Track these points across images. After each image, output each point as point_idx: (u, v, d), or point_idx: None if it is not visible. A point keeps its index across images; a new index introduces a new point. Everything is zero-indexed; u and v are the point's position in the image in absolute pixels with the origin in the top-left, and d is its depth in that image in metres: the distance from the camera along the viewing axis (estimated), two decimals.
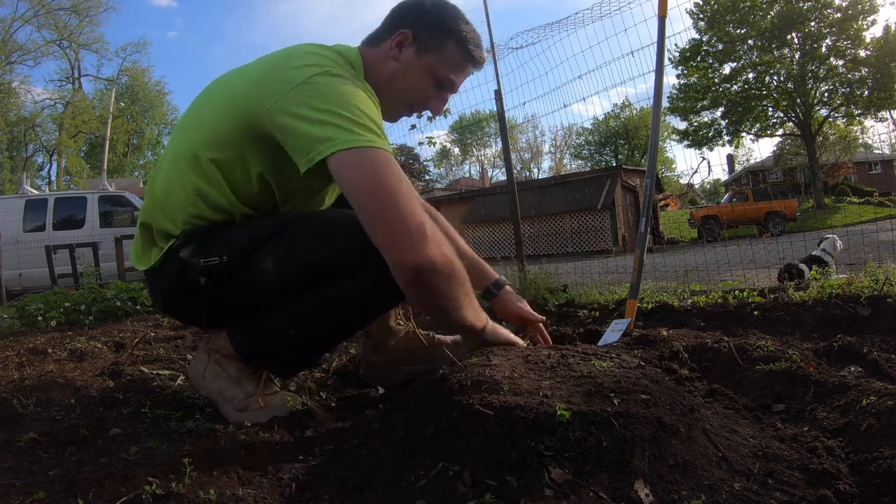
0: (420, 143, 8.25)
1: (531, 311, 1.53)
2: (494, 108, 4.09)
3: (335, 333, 1.30)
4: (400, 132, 20.50)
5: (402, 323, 1.62)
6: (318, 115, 1.05)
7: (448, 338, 1.63)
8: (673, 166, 38.97)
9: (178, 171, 1.22)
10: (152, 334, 2.49)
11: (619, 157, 44.37)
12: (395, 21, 1.29)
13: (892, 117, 23.52)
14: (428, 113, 1.44)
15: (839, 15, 22.38)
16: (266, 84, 1.12)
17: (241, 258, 1.19)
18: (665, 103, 19.08)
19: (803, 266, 3.67)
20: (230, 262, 1.18)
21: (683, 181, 36.52)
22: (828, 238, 4.08)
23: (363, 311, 1.27)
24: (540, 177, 40.23)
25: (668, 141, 32.37)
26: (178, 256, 1.21)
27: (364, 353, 1.61)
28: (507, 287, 1.56)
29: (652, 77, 2.17)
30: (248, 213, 1.25)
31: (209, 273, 1.19)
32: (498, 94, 3.97)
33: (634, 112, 41.84)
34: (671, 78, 28.73)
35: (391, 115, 1.35)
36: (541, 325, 1.52)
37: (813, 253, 3.93)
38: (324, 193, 1.38)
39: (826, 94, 24.40)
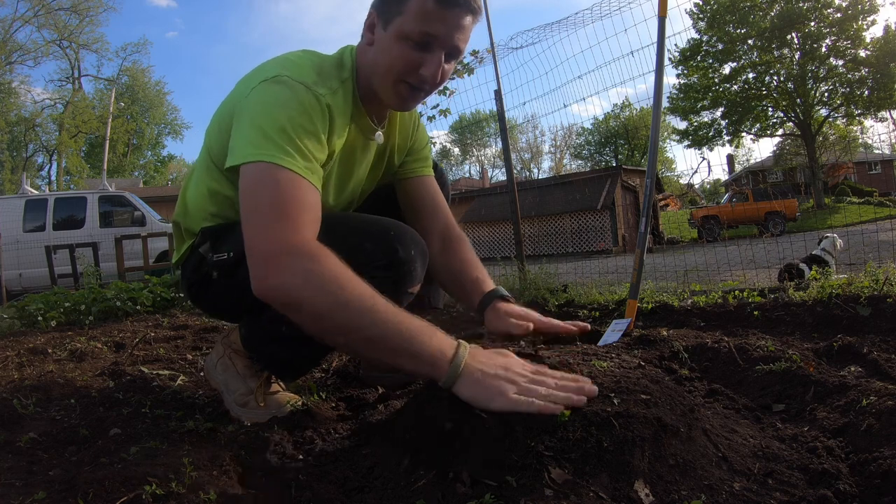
0: None
1: (527, 316, 1.29)
2: (494, 108, 4.10)
3: None
4: None
5: None
6: (244, 122, 1.08)
7: None
8: (673, 166, 38.99)
9: (199, 175, 1.32)
10: (152, 334, 2.50)
11: (619, 157, 44.37)
12: (370, 6, 1.22)
13: (892, 117, 23.53)
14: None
15: (839, 15, 22.39)
16: (238, 92, 1.18)
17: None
18: (665, 103, 19.08)
19: (803, 266, 3.68)
20: (236, 258, 1.22)
21: (683, 181, 36.53)
22: (827, 237, 4.10)
23: None
24: (540, 177, 40.29)
25: (668, 141, 32.42)
26: (197, 251, 1.30)
27: None
28: (498, 303, 1.32)
29: (652, 77, 2.18)
30: None
31: (219, 268, 1.26)
32: (498, 94, 3.97)
33: (634, 112, 41.86)
34: (671, 78, 28.76)
35: (394, 103, 1.23)
36: (543, 324, 1.33)
37: (813, 252, 3.95)
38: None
39: (826, 94, 24.42)
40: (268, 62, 1.21)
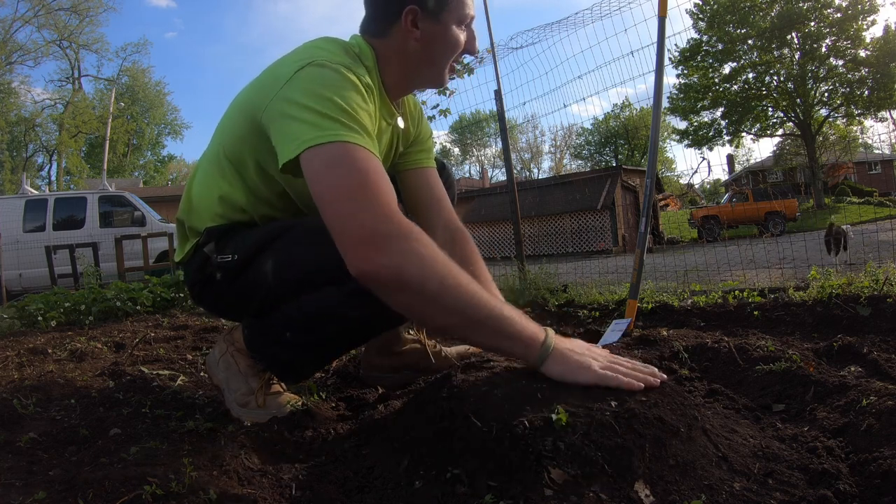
0: None
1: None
2: (494, 108, 4.09)
3: (333, 341, 1.24)
4: None
5: (412, 333, 1.59)
6: (292, 111, 1.03)
7: (454, 349, 1.62)
8: (673, 166, 38.96)
9: (207, 173, 1.29)
10: (152, 334, 2.49)
11: (619, 157, 44.36)
12: (388, 4, 1.21)
13: (892, 117, 23.54)
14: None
15: (839, 15, 22.40)
16: (265, 84, 1.14)
17: (250, 257, 1.22)
18: (665, 103, 19.08)
19: (846, 227, 4.76)
20: (241, 261, 1.22)
21: (683, 181, 36.51)
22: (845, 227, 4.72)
23: (352, 322, 1.15)
24: (540, 177, 40.26)
25: (668, 141, 32.42)
26: (201, 251, 1.28)
27: (366, 353, 1.60)
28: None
29: (652, 77, 2.18)
30: (270, 214, 1.28)
31: (223, 269, 1.24)
32: (498, 94, 3.97)
33: (634, 112, 41.85)
34: (671, 78, 28.78)
35: (440, 81, 1.31)
36: None
37: (842, 226, 4.84)
38: None
39: (826, 94, 24.43)
40: (292, 53, 1.18)
